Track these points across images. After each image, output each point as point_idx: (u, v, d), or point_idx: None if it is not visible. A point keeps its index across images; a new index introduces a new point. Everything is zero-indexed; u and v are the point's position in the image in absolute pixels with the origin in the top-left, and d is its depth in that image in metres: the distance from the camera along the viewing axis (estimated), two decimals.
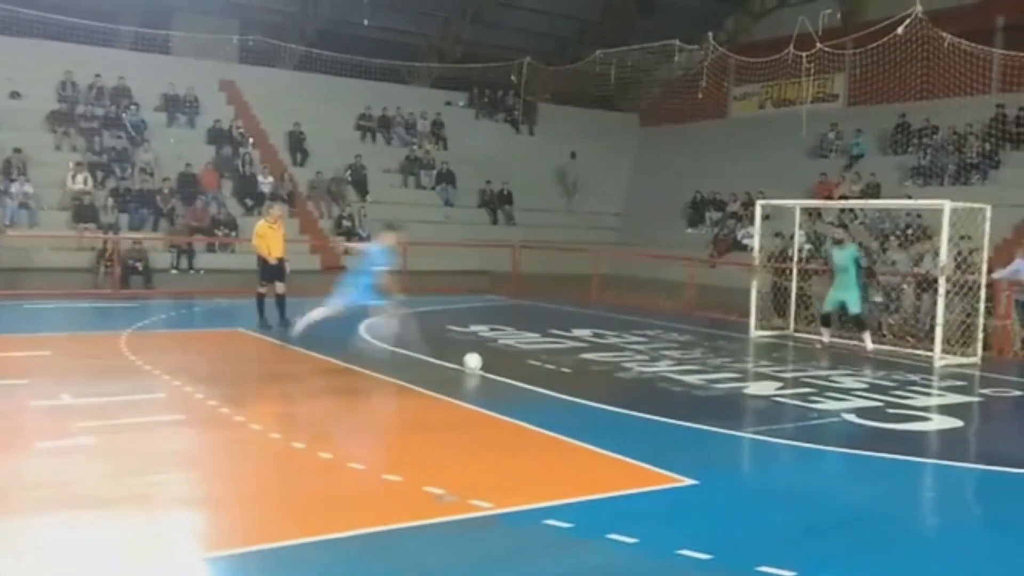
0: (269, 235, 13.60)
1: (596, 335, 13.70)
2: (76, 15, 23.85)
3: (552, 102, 31.25)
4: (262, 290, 13.69)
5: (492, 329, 14.02)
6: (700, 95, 24.44)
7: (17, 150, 20.51)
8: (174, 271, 19.78)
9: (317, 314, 11.12)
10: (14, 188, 19.75)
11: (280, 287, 13.63)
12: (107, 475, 6.12)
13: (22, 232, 18.93)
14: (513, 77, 28.63)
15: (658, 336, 14.06)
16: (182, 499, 5.81)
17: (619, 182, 30.65)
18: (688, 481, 6.25)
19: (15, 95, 22.74)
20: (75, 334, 12.97)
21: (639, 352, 12.26)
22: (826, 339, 13.38)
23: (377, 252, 11.16)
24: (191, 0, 26.20)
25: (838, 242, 13.10)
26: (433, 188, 26.57)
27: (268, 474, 6.39)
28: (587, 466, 6.77)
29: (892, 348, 13.06)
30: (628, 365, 11.22)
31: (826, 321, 13.40)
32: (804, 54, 21.17)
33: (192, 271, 19.91)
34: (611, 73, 26.25)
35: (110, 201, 20.37)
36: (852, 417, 8.58)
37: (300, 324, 11.26)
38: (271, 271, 13.62)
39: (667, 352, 12.36)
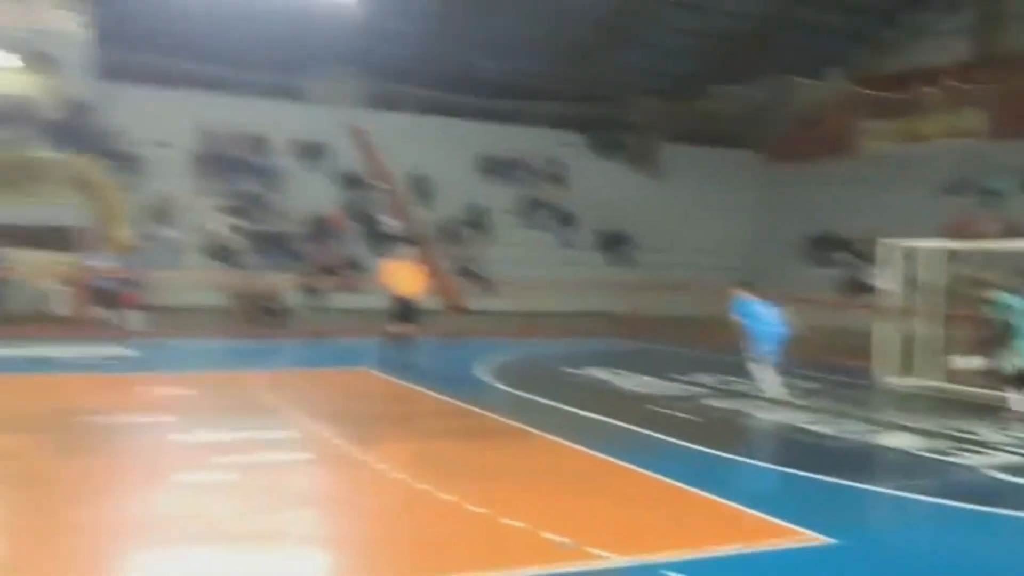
0: (402, 274, 13.95)
1: (718, 380, 13.42)
2: (217, 66, 25.36)
3: (673, 140, 31.09)
4: (393, 329, 13.99)
5: (609, 372, 13.94)
6: (828, 132, 23.85)
7: (164, 196, 21.85)
8: (305, 311, 20.56)
9: (764, 376, 11.77)
10: (164, 232, 21.02)
11: (410, 327, 13.91)
12: (239, 511, 6.38)
13: (166, 273, 20.11)
14: (633, 116, 28.67)
15: (784, 383, 13.62)
16: (308, 537, 6.00)
17: (742, 221, 30.11)
18: (825, 539, 6.00)
19: (161, 144, 24.26)
20: (213, 372, 13.60)
21: (764, 399, 11.93)
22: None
23: (761, 307, 11.84)
24: (322, 49, 27.45)
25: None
26: (553, 229, 26.77)
27: (391, 515, 6.52)
28: (711, 518, 6.61)
29: None
30: (753, 412, 10.94)
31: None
32: (943, 86, 20.30)
33: (322, 311, 20.65)
34: (735, 111, 25.95)
35: (247, 243, 21.42)
36: (997, 473, 8.10)
37: (767, 385, 11.78)
38: (402, 310, 13.91)
39: (794, 399, 11.99)
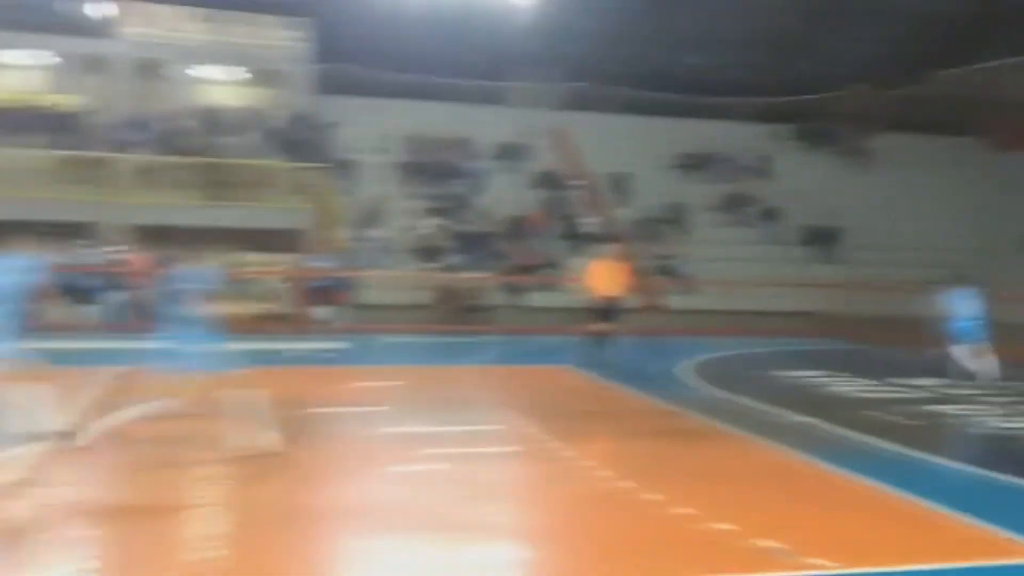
0: (603, 273, 13.96)
1: (942, 384, 12.48)
2: (422, 74, 26.42)
3: (887, 130, 29.25)
4: (594, 328, 14.02)
5: (821, 375, 13.28)
6: None
7: (376, 199, 23.01)
8: (505, 308, 20.99)
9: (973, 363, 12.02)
10: (373, 233, 22.15)
11: (609, 325, 13.90)
12: (448, 501, 6.57)
13: (377, 272, 21.18)
14: (844, 106, 27.24)
15: (1021, 389, 12.50)
16: (513, 530, 6.08)
17: (962, 215, 27.87)
18: None
19: (373, 150, 25.55)
20: (421, 367, 14.16)
21: (996, 405, 10.98)
22: None
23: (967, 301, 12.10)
24: (522, 53, 27.93)
25: None
26: (757, 225, 25.91)
27: (595, 512, 6.50)
28: (938, 530, 6.13)
29: None
30: (983, 420, 10.08)
31: None
32: None
33: (522, 308, 21.01)
34: (957, 96, 24.05)
35: (451, 243, 22.17)
36: None
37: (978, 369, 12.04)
38: (603, 309, 13.92)
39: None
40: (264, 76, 26.12)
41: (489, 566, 5.39)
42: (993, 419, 10.08)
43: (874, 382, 12.56)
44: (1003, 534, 5.87)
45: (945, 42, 28.59)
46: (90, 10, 25.39)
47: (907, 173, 27.74)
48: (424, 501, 6.53)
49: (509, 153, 26.54)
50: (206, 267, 8.72)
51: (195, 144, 22.70)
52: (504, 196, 24.38)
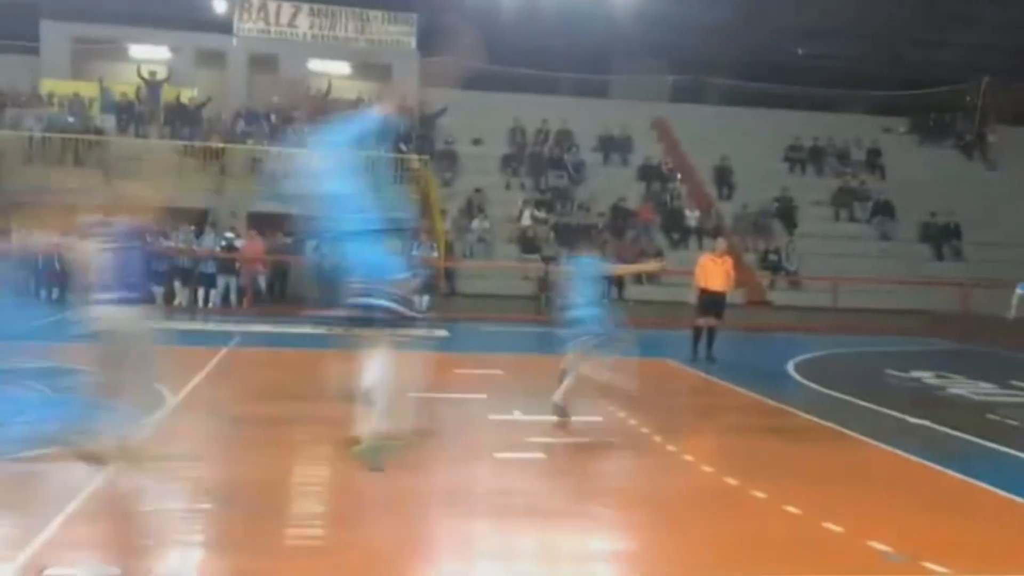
0: (710, 268, 13.75)
1: None
2: (525, 67, 26.46)
3: (1012, 124, 27.83)
4: (699, 323, 13.81)
5: (938, 376, 12.74)
6: None
7: (478, 190, 23.19)
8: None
9: None
10: (474, 224, 22.34)
11: (714, 321, 13.67)
12: (548, 490, 6.59)
13: (478, 262, 21.35)
14: (968, 98, 26.02)
15: None
16: (615, 521, 6.05)
17: None
18: None
19: (476, 142, 25.74)
20: (522, 355, 14.21)
21: None
22: None
23: None
24: (626, 46, 27.66)
25: None
26: (868, 221, 25.04)
27: (700, 507, 6.40)
28: None
29: None
30: None
31: None
32: None
33: (621, 301, 20.85)
34: None
35: (552, 234, 22.15)
36: None
37: None
38: (708, 304, 13.70)
39: None
40: (373, 69, 26.62)
41: (587, 557, 5.37)
42: None
43: (994, 385, 11.98)
44: None
45: None
46: (214, 6, 26.39)
47: None
48: (524, 489, 6.55)
49: (612, 145, 26.35)
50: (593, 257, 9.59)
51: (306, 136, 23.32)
52: (606, 188, 24.22)
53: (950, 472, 7.37)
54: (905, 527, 5.88)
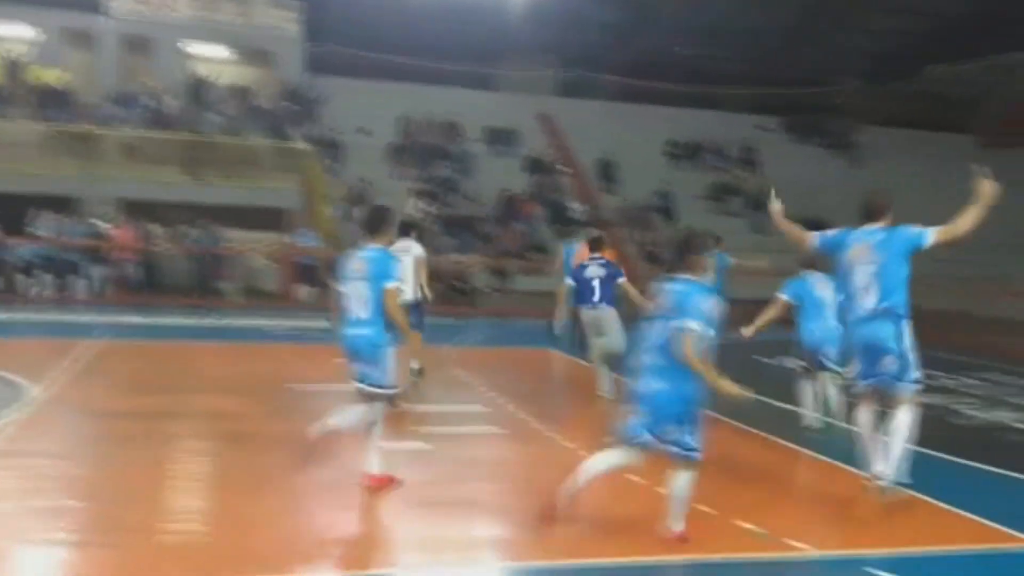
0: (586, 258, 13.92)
1: (926, 376, 12.56)
2: (413, 57, 26.31)
3: (876, 124, 29.38)
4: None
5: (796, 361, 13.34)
6: None
7: (362, 180, 22.93)
8: (492, 291, 21.01)
9: None
10: (359, 214, 22.06)
11: None
12: (432, 479, 6.61)
13: None
14: (836, 99, 27.33)
15: (1000, 381, 12.63)
16: (495, 508, 6.13)
17: (953, 211, 27.94)
18: None
19: (362, 131, 25.43)
20: (406, 347, 14.14)
21: (975, 397, 11.10)
22: None
23: None
24: (515, 39, 27.85)
25: None
26: (743, 215, 26.01)
27: (581, 492, 6.54)
28: (915, 516, 6.21)
29: None
30: (962, 411, 10.19)
31: None
32: None
33: (508, 292, 21.03)
34: (948, 92, 24.19)
35: (438, 225, 22.13)
36: None
37: None
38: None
39: (1011, 399, 11.07)
40: (254, 55, 25.94)
41: (472, 543, 5.43)
42: (976, 411, 10.18)
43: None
44: (984, 521, 5.95)
45: (936, 39, 28.69)
46: None
47: (897, 168, 27.85)
48: (407, 479, 6.54)
49: (499, 138, 26.50)
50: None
51: (183, 121, 22.55)
52: (493, 180, 24.36)
53: (813, 454, 7.77)
54: (772, 507, 6.17)
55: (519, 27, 26.89)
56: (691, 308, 5.05)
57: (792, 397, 10.26)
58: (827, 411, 8.92)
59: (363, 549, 5.20)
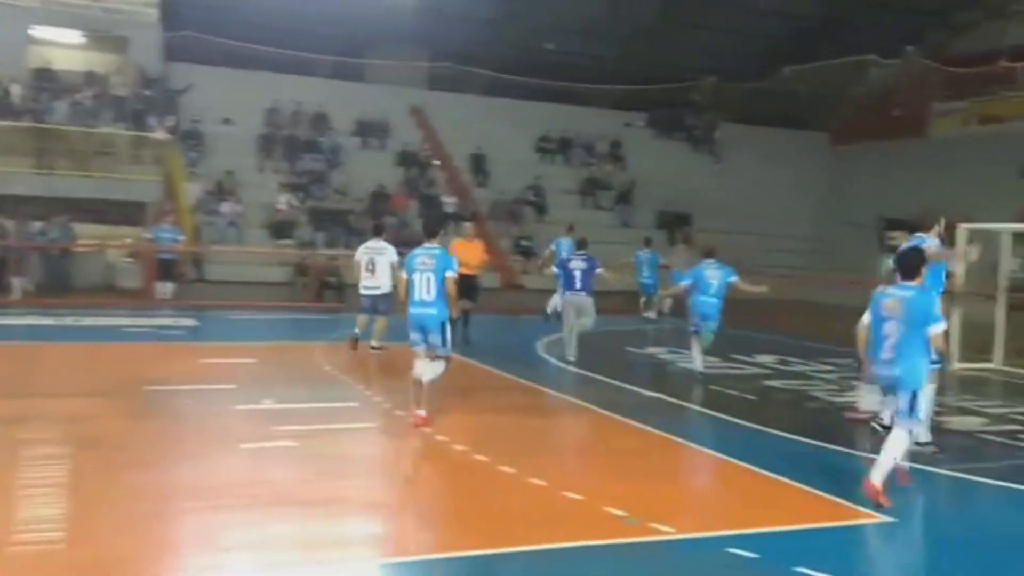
0: (460, 251, 13.91)
1: (781, 362, 13.22)
2: (281, 46, 25.63)
3: (736, 121, 30.58)
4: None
5: (671, 352, 13.80)
6: (897, 112, 23.20)
7: (227, 172, 22.22)
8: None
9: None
10: (224, 207, 21.39)
11: (468, 304, 13.85)
12: (302, 478, 6.47)
13: (229, 248, 20.49)
14: (695, 96, 28.27)
15: (848, 365, 13.35)
16: (368, 504, 6.06)
17: (807, 204, 29.51)
18: (883, 518, 5.90)
19: (227, 122, 24.63)
20: (276, 343, 13.83)
21: (827, 381, 11.72)
22: None
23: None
24: (386, 30, 27.53)
25: None
26: (611, 208, 26.61)
27: (451, 485, 6.56)
28: (772, 496, 6.52)
29: None
30: (815, 394, 10.74)
31: None
32: (1012, 69, 19.41)
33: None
34: (800, 91, 25.40)
35: (307, 219, 21.70)
36: None
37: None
38: (462, 288, 13.79)
39: (858, 383, 11.72)
40: (108, 41, 24.67)
41: (343, 541, 5.35)
42: (824, 394, 10.75)
43: (718, 359, 13.12)
44: (832, 498, 6.30)
45: (792, 40, 30.08)
46: None
47: (755, 163, 29.11)
48: (275, 478, 6.39)
49: (370, 130, 26.18)
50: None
51: (31, 109, 21.25)
52: (363, 173, 24.04)
53: (678, 439, 8.03)
54: (638, 492, 6.34)
55: (389, 17, 26.58)
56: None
57: (659, 385, 10.62)
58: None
59: (230, 552, 5.02)
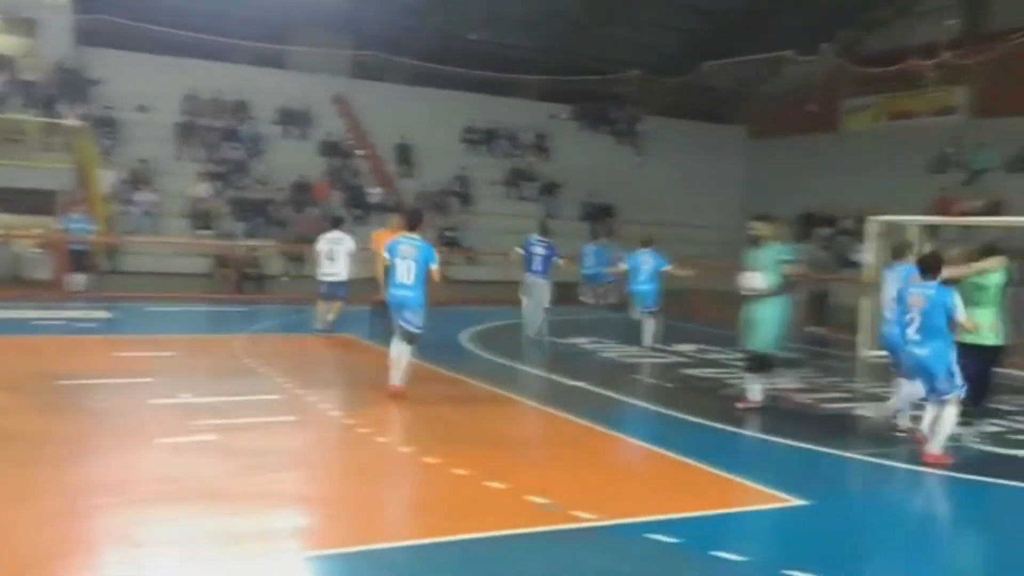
0: (386, 241, 13.81)
1: (699, 350, 13.51)
2: (199, 31, 25.00)
3: (658, 115, 31.02)
4: (378, 297, 13.82)
5: (593, 342, 13.98)
6: (812, 107, 23.86)
7: (143, 161, 21.62)
8: (285, 278, 20.45)
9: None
10: (139, 196, 20.81)
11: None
12: (223, 472, 6.38)
13: (146, 238, 19.95)
14: (619, 89, 28.56)
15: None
16: (291, 497, 6.01)
17: (727, 195, 30.14)
18: (797, 501, 6.10)
19: (142, 108, 23.94)
20: (194, 336, 13.55)
21: (744, 369, 12.00)
22: None
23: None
24: (307, 17, 27.07)
25: None
26: (536, 200, 26.74)
27: (375, 476, 6.54)
28: (691, 482, 6.68)
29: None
30: (732, 382, 11.00)
31: None
32: (931, 61, 20.04)
33: (304, 278, 20.50)
34: (719, 85, 25.89)
35: (228, 209, 21.26)
36: (970, 441, 8.21)
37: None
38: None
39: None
40: (16, 24, 23.70)
41: (264, 535, 5.28)
42: (740, 381, 11.02)
43: (639, 348, 13.35)
44: (750, 483, 6.48)
45: (710, 35, 30.60)
46: None
47: (677, 156, 29.59)
48: (193, 473, 6.28)
49: (291, 118, 25.76)
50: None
51: None
52: (286, 162, 23.66)
53: (600, 428, 8.16)
54: (560, 480, 6.43)
55: (312, 4, 26.13)
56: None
57: (582, 375, 10.75)
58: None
59: (149, 550, 4.92)
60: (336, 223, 13.87)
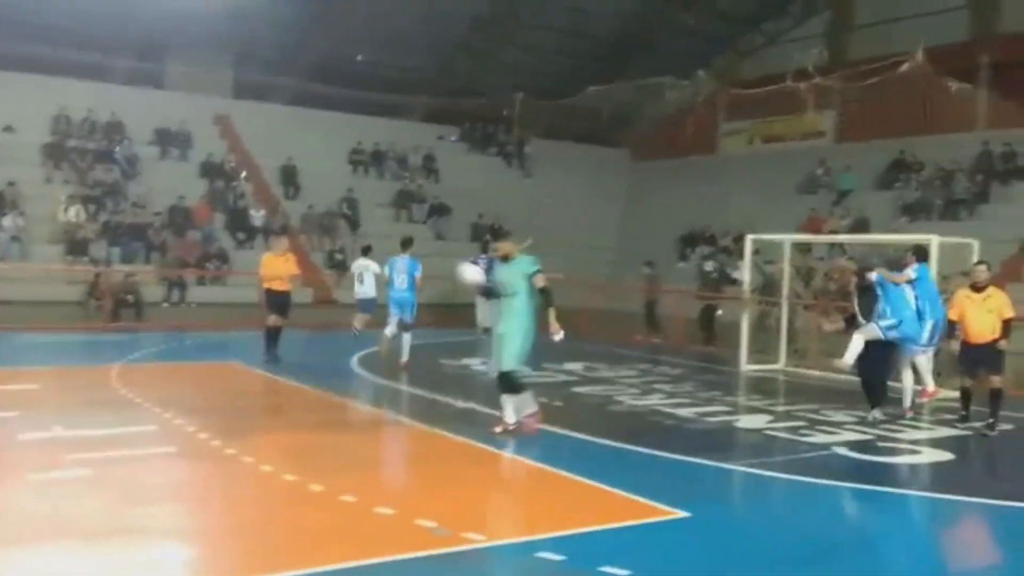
0: (277, 265, 13.57)
1: (587, 368, 13.73)
2: (70, 49, 24.01)
3: (544, 137, 31.50)
4: (270, 322, 13.51)
5: (484, 363, 13.99)
6: (690, 131, 24.72)
7: (10, 183, 20.56)
8: (166, 304, 19.75)
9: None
10: (5, 221, 19.75)
11: (279, 320, 13.49)
12: (99, 507, 6.10)
13: (12, 265, 18.92)
14: (505, 112, 28.86)
15: (649, 370, 14.09)
16: (173, 531, 5.79)
17: (611, 215, 30.80)
18: (681, 514, 6.25)
19: (8, 129, 22.80)
20: (65, 367, 12.92)
21: (631, 386, 12.28)
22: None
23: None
24: (187, 35, 26.36)
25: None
26: (425, 221, 26.70)
27: (259, 506, 6.37)
28: (579, 499, 6.76)
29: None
30: (620, 399, 11.23)
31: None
32: (801, 85, 20.94)
33: (184, 304, 19.87)
34: (602, 109, 26.52)
35: (102, 234, 20.41)
36: (843, 450, 8.60)
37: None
38: (273, 303, 13.48)
39: (659, 386, 12.38)
40: None
41: (144, 570, 5.06)
42: (628, 398, 11.26)
43: (528, 368, 13.39)
44: (634, 497, 6.60)
45: (593, 60, 31.35)
46: None
47: (562, 177, 30.06)
48: (65, 510, 5.98)
49: (170, 139, 24.99)
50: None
51: None
52: (164, 185, 22.89)
53: (493, 449, 8.17)
54: (450, 503, 6.40)
55: (190, 22, 25.40)
56: None
57: (472, 396, 10.76)
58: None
59: None
60: (365, 251, 15.49)
